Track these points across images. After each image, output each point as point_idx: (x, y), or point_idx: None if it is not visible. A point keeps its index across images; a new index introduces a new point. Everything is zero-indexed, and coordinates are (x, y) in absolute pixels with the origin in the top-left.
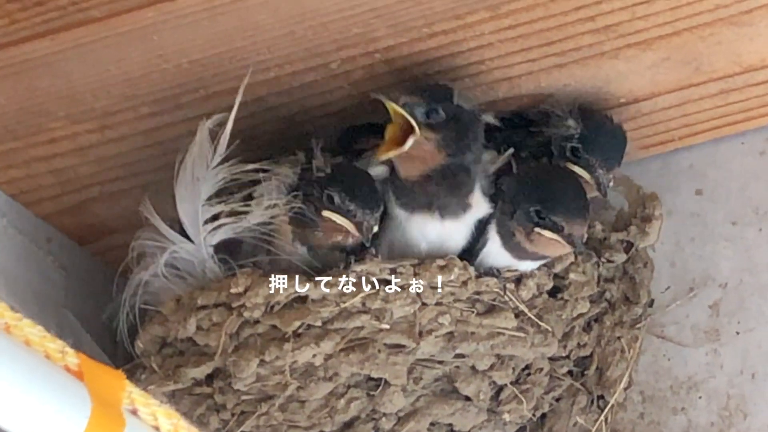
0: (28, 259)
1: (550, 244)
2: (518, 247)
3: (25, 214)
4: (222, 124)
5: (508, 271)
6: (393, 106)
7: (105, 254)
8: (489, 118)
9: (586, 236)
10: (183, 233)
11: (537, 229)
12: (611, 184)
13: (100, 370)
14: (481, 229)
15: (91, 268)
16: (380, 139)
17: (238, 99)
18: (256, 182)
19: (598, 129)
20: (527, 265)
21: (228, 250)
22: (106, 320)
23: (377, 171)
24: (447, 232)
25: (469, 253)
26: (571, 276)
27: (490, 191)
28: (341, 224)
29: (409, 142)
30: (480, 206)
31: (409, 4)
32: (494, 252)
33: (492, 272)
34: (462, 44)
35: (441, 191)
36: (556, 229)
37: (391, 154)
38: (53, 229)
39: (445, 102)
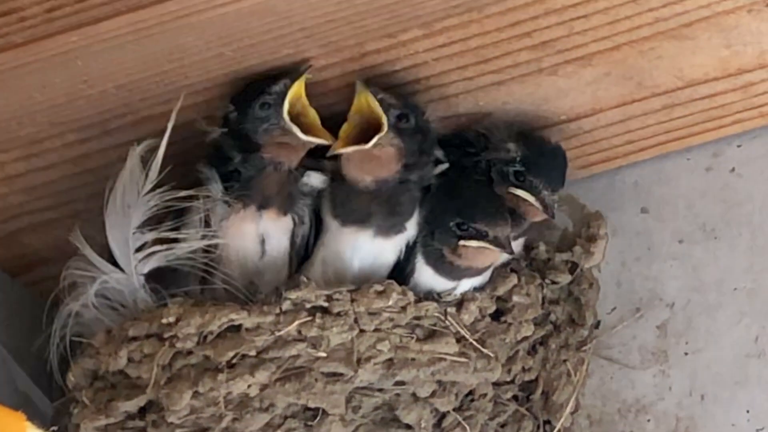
0: None
1: (479, 253)
2: (450, 267)
3: None
4: (153, 150)
5: (449, 294)
6: (368, 97)
7: (38, 285)
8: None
9: (512, 236)
10: (114, 262)
11: (462, 242)
12: (556, 205)
13: None
14: (407, 253)
15: (24, 300)
16: None
17: (170, 124)
18: (190, 208)
19: (540, 151)
20: (466, 284)
21: (159, 279)
22: (35, 353)
23: (316, 180)
24: (378, 250)
25: (401, 276)
26: (515, 298)
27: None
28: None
29: (376, 138)
30: (412, 231)
31: (340, 23)
32: (428, 281)
33: (432, 296)
34: (396, 63)
35: (381, 209)
36: (481, 235)
37: (351, 150)
38: None
39: (418, 112)
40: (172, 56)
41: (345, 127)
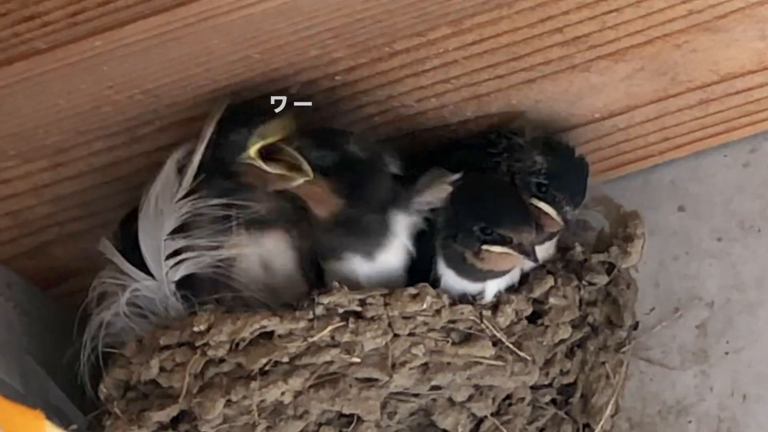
0: None
1: (502, 258)
2: (472, 269)
3: None
4: (189, 156)
5: (482, 296)
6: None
7: (68, 298)
8: (394, 168)
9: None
10: (144, 269)
11: (485, 247)
12: (576, 218)
13: (15, 410)
14: (428, 258)
15: (55, 313)
16: None
17: (209, 130)
18: (224, 217)
19: (564, 164)
20: (492, 285)
21: (191, 286)
22: (66, 365)
23: None
24: (379, 269)
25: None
26: (551, 300)
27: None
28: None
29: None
30: (402, 237)
31: (368, 22)
32: (451, 284)
33: (467, 299)
34: (426, 62)
35: (352, 238)
36: (504, 241)
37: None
38: (13, 273)
39: (338, 148)
40: (199, 59)
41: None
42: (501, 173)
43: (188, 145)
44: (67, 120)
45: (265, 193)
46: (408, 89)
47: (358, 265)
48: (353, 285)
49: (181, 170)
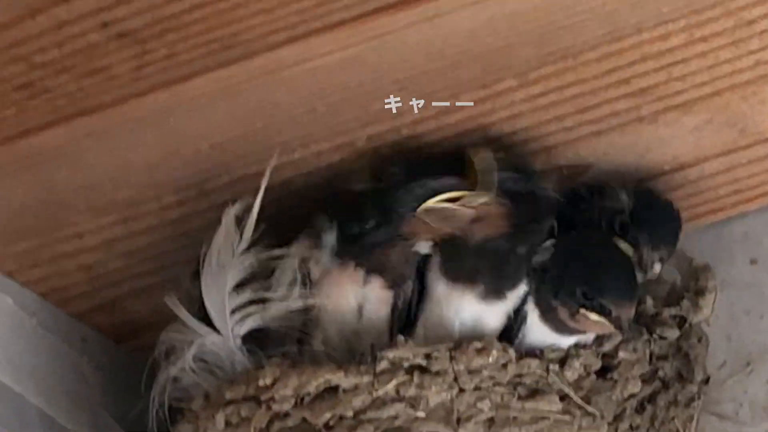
0: (61, 359)
1: (595, 325)
2: (559, 322)
3: (56, 313)
4: (248, 210)
5: (552, 351)
6: (485, 157)
7: (142, 352)
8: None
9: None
10: (210, 324)
11: (583, 311)
12: (656, 265)
13: None
14: (517, 310)
15: (130, 367)
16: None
17: (264, 183)
18: (287, 267)
19: (650, 206)
20: (568, 340)
21: (258, 340)
22: (136, 419)
23: (422, 246)
24: (480, 314)
25: (507, 334)
26: (621, 354)
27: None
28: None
29: (484, 198)
30: (512, 302)
31: (433, 74)
32: (534, 326)
33: (534, 353)
34: (492, 115)
35: (488, 268)
36: (604, 312)
37: (455, 206)
38: (87, 327)
39: (529, 179)
40: (265, 113)
41: None
42: (596, 223)
43: (245, 200)
44: (137, 174)
45: (399, 246)
46: (474, 141)
47: (470, 302)
48: (447, 324)
49: (239, 223)
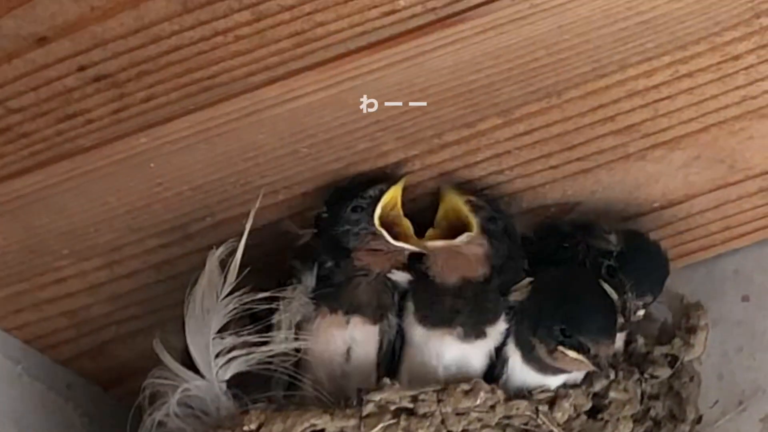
0: (46, 407)
1: (573, 363)
2: (540, 362)
3: (41, 359)
4: (232, 253)
5: (541, 391)
6: (456, 200)
7: (129, 397)
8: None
9: (611, 354)
10: (195, 369)
11: (561, 348)
12: (639, 312)
13: None
14: (498, 350)
15: (117, 413)
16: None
17: (248, 226)
18: (271, 311)
19: (639, 250)
20: (555, 380)
21: (242, 384)
22: None
23: (400, 277)
24: (466, 354)
25: (490, 375)
26: (612, 394)
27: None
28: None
29: (465, 236)
30: (493, 340)
31: (416, 114)
32: (516, 367)
33: (523, 393)
34: (477, 153)
35: (466, 309)
36: (582, 349)
37: (440, 244)
38: (72, 373)
39: (506, 218)
40: (246, 155)
41: (430, 231)
42: (579, 261)
43: (229, 243)
44: (119, 218)
45: (364, 279)
46: (460, 180)
47: (450, 344)
48: (430, 368)
49: (223, 267)
